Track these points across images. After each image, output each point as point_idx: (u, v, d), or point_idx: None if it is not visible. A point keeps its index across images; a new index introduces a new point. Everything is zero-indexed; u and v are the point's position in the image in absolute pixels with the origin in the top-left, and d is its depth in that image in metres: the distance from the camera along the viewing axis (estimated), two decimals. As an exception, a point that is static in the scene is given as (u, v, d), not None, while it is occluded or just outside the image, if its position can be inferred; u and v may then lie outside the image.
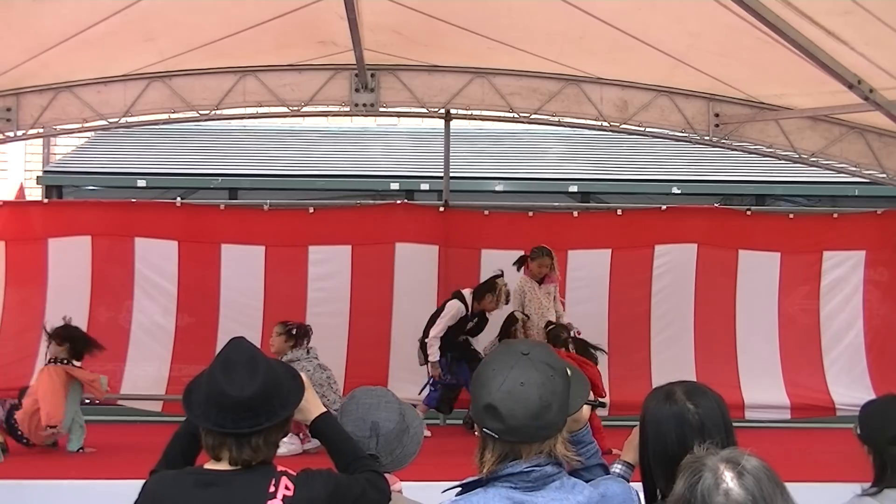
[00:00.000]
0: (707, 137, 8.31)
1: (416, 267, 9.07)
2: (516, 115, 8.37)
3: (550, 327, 7.81)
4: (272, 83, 8.21)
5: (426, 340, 8.08)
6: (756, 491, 1.71)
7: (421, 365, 8.23)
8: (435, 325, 8.09)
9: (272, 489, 2.25)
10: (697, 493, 1.73)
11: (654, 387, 2.50)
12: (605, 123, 8.38)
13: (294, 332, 7.57)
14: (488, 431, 2.02)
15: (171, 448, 2.52)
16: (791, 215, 9.54)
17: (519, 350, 2.08)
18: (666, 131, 8.64)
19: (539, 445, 2.02)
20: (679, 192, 10.92)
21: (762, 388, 8.85)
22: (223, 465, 2.30)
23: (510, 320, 8.16)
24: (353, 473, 2.45)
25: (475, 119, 9.20)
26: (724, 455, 1.77)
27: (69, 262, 8.91)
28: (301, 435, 7.04)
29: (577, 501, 2.02)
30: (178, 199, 9.88)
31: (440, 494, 2.17)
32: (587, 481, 2.16)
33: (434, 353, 8.04)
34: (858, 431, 3.11)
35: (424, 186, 10.70)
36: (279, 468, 2.32)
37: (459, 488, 2.08)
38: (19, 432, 7.18)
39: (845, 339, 9.18)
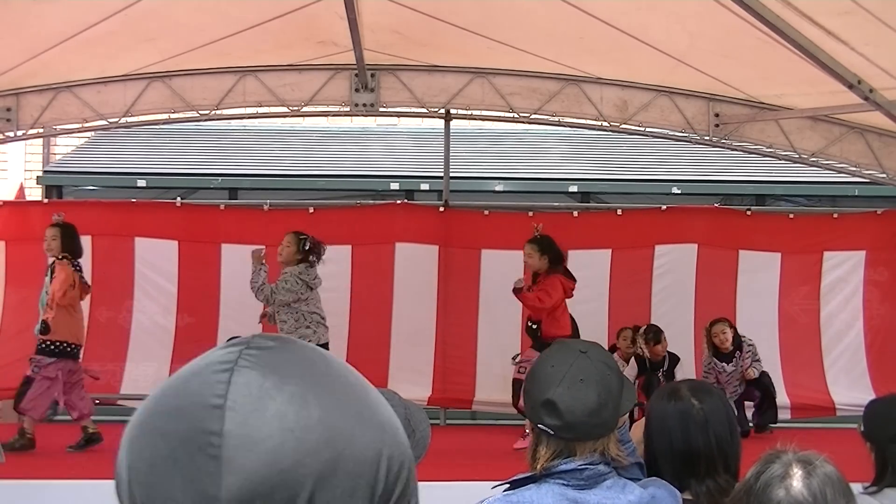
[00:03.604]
0: (707, 137, 8.31)
1: (416, 267, 9.07)
2: (516, 115, 8.37)
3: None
4: (272, 83, 8.21)
5: None
6: (819, 495, 1.68)
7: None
8: None
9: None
10: (761, 481, 1.73)
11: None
12: (605, 123, 8.39)
13: (307, 246, 7.19)
14: (544, 428, 2.02)
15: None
16: (791, 215, 9.55)
17: (577, 348, 2.09)
18: (666, 131, 8.64)
19: (593, 444, 2.03)
20: (679, 192, 10.90)
21: (762, 388, 8.86)
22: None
23: None
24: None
25: (475, 119, 9.20)
26: (800, 454, 1.75)
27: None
28: None
29: (629, 501, 2.03)
30: (178, 199, 9.88)
31: (448, 493, 2.17)
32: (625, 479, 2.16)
33: None
34: (862, 429, 3.12)
35: (424, 186, 10.69)
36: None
37: (508, 484, 2.08)
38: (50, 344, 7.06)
39: (845, 339, 9.18)
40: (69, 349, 7.19)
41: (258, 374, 0.77)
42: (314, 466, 0.75)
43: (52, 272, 7.23)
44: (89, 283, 7.66)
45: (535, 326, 7.35)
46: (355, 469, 0.76)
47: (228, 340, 2.52)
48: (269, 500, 0.73)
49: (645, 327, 8.39)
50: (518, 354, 7.67)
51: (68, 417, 7.61)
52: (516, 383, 7.17)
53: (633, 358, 8.36)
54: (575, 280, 7.45)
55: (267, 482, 0.73)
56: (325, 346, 7.25)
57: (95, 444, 7.19)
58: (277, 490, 0.73)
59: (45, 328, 7.06)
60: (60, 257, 7.22)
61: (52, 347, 7.11)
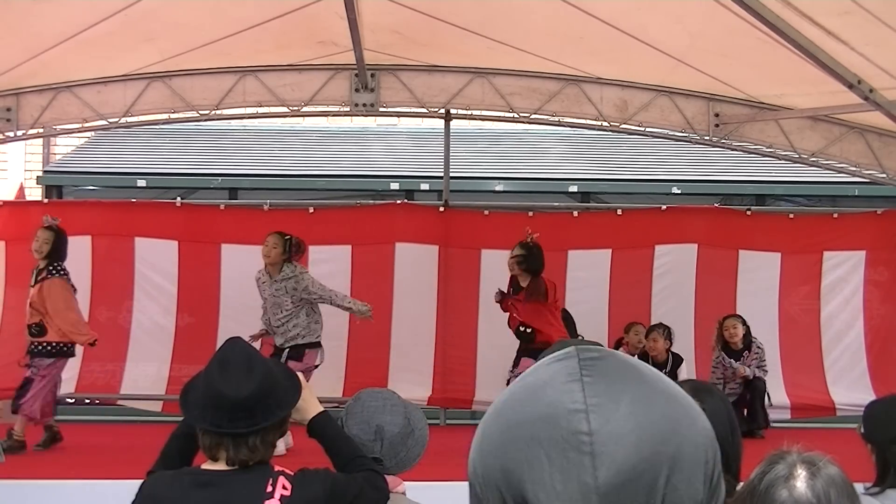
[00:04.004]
0: (707, 137, 8.31)
1: (416, 267, 9.06)
2: (516, 115, 8.37)
3: None
4: (272, 83, 8.21)
5: None
6: (823, 496, 1.66)
7: None
8: None
9: (269, 489, 2.25)
10: (765, 481, 1.72)
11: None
12: (605, 123, 8.39)
13: (292, 244, 7.42)
14: None
15: (168, 449, 2.52)
16: (791, 215, 9.54)
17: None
18: (666, 131, 8.64)
19: None
20: (679, 192, 10.90)
21: (762, 388, 8.87)
22: (220, 466, 2.30)
23: None
24: (350, 473, 2.45)
25: (475, 119, 9.20)
26: (805, 455, 1.74)
27: (69, 262, 8.88)
28: None
29: None
30: (178, 199, 9.87)
31: (448, 493, 2.16)
32: None
33: None
34: (862, 430, 3.11)
35: (424, 186, 10.68)
36: (276, 468, 2.32)
37: None
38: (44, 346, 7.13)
39: (845, 340, 9.18)
40: (65, 348, 7.28)
41: (603, 381, 0.92)
42: (667, 453, 0.89)
43: (39, 277, 7.27)
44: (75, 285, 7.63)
45: (529, 331, 7.44)
46: (695, 454, 0.91)
47: (228, 340, 2.49)
48: (637, 484, 0.88)
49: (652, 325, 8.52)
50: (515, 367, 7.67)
51: (68, 418, 7.62)
52: None
53: (636, 357, 8.41)
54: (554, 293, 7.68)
55: (634, 470, 0.88)
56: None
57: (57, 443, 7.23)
58: (642, 476, 0.88)
59: (41, 330, 7.10)
60: (53, 271, 7.25)
61: (49, 348, 7.17)
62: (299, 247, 7.54)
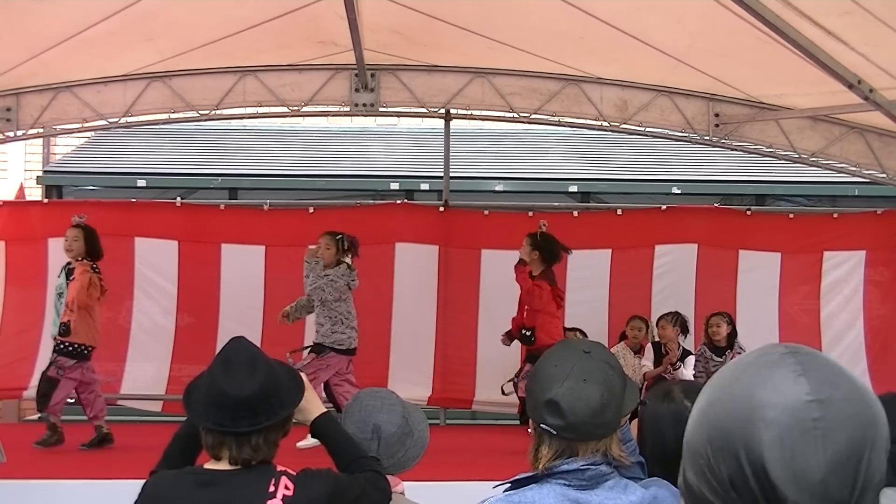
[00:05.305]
0: (707, 137, 8.31)
1: (416, 267, 9.06)
2: (516, 115, 8.37)
3: None
4: (272, 83, 8.21)
5: None
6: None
7: None
8: None
9: (272, 489, 2.26)
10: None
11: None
12: (605, 123, 8.39)
13: (346, 245, 7.33)
14: (546, 427, 2.01)
15: (171, 448, 2.52)
16: (791, 215, 9.54)
17: (580, 348, 2.08)
18: (666, 131, 8.64)
19: (595, 444, 2.03)
20: (679, 192, 10.89)
21: (762, 388, 8.87)
22: (223, 465, 2.30)
23: None
24: (353, 473, 2.45)
25: (475, 119, 9.20)
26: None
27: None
28: None
29: (630, 501, 2.02)
30: (178, 199, 9.87)
31: (448, 493, 2.16)
32: (627, 479, 2.15)
33: None
34: None
35: (424, 186, 10.68)
36: (279, 468, 2.32)
37: (510, 484, 2.07)
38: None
39: (845, 340, 9.18)
40: (86, 351, 7.28)
41: (821, 376, 1.15)
42: (870, 435, 1.13)
43: (70, 274, 7.27)
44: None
45: (528, 333, 7.40)
46: (885, 434, 1.15)
47: (231, 340, 2.49)
48: (851, 460, 1.10)
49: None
50: (514, 378, 7.64)
51: (70, 417, 7.62)
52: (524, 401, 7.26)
53: (650, 346, 8.38)
54: (561, 290, 7.64)
55: (850, 449, 1.11)
56: (354, 350, 7.31)
57: (107, 444, 7.29)
58: (855, 453, 1.11)
59: (66, 330, 7.11)
60: (81, 260, 7.28)
61: (72, 349, 7.18)
62: (348, 245, 7.36)
